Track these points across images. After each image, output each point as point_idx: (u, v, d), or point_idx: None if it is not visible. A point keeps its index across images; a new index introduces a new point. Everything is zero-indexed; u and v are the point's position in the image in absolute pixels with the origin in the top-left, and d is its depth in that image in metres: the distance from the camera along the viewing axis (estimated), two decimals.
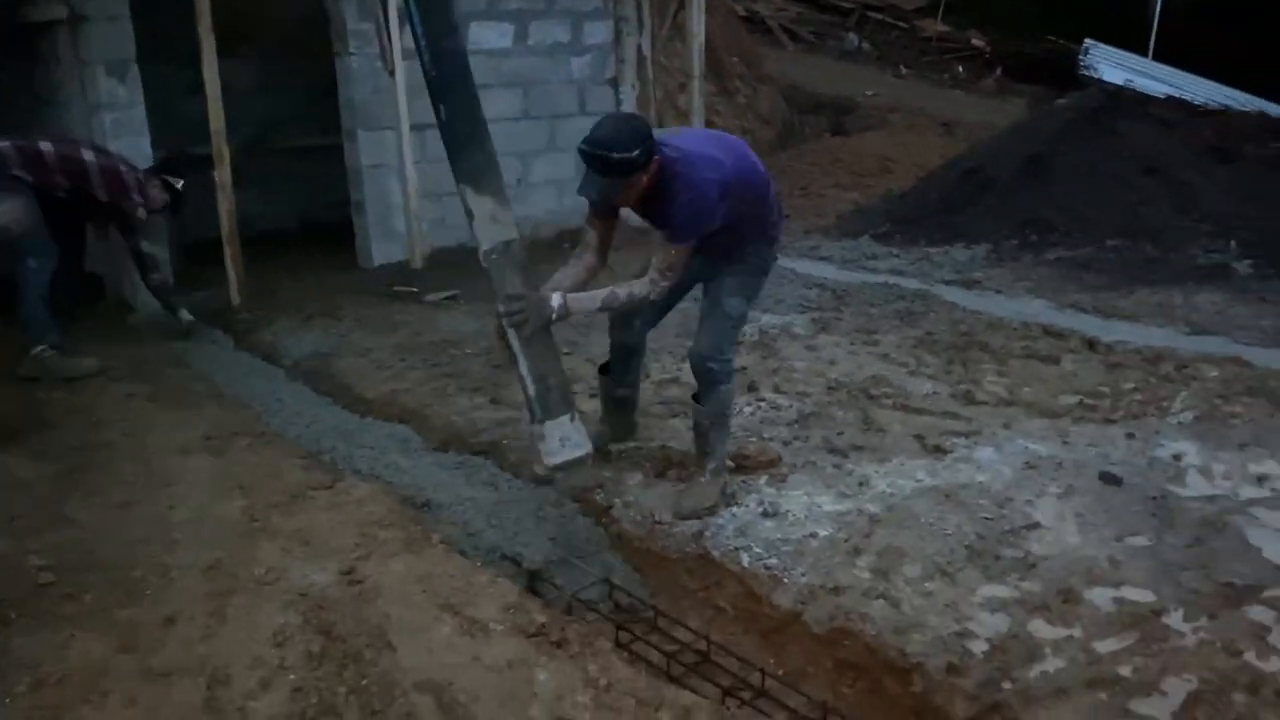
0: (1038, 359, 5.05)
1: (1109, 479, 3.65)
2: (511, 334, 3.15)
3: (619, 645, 2.97)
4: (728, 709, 2.61)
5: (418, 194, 6.88)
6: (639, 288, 3.21)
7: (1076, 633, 2.81)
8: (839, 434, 4.08)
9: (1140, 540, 3.27)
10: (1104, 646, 2.74)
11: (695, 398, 3.55)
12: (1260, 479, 3.67)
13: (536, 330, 3.15)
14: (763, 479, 3.73)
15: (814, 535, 3.33)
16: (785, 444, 4.00)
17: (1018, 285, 6.72)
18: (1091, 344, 5.24)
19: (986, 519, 3.38)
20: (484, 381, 4.84)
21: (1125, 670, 2.64)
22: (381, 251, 7.29)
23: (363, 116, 7.05)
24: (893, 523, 3.38)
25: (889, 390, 4.59)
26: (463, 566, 3.17)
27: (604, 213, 3.33)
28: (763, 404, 4.45)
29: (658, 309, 3.61)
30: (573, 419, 3.24)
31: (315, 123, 7.89)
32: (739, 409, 4.36)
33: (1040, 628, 2.83)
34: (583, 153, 3.04)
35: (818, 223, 8.71)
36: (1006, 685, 2.62)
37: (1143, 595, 2.97)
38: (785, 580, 3.12)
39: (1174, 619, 2.85)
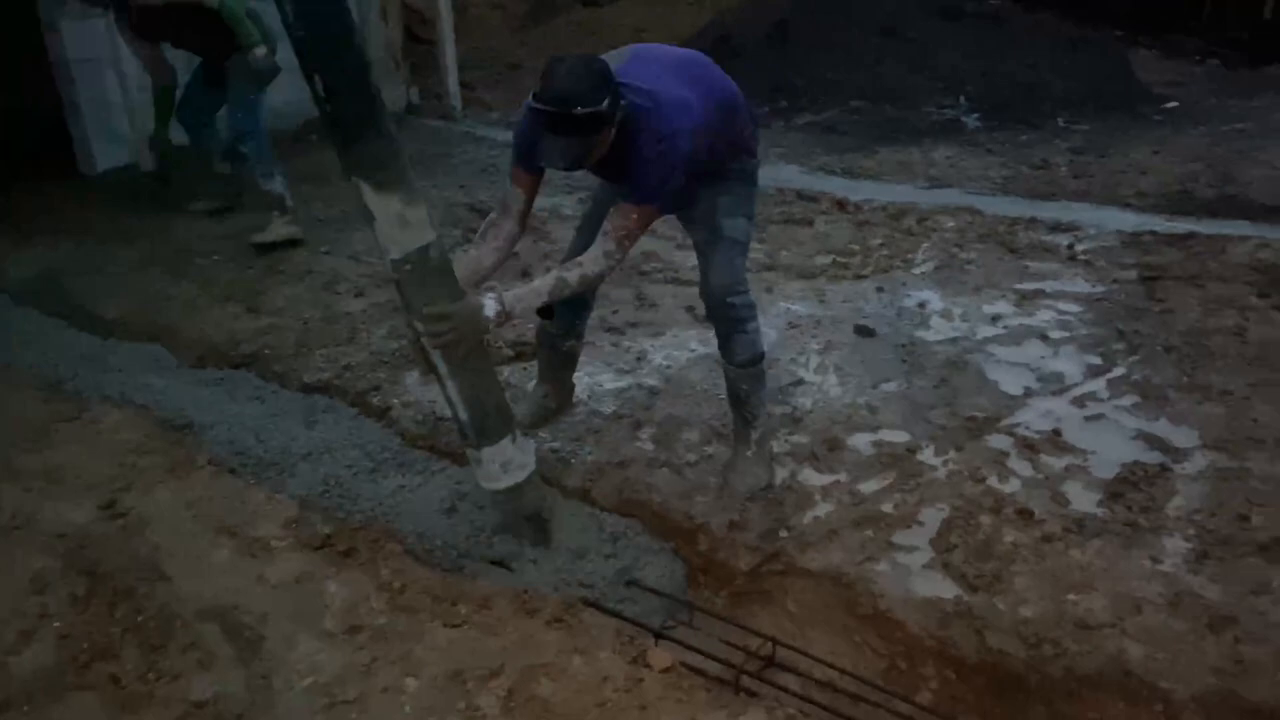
0: (794, 223, 5.26)
1: (863, 332, 3.90)
2: (437, 356, 2.58)
3: (409, 548, 2.93)
4: (526, 593, 2.65)
5: (140, 89, 6.24)
6: (592, 265, 2.63)
7: (843, 477, 3.02)
8: (614, 312, 4.13)
9: (893, 386, 3.52)
10: (867, 487, 2.97)
11: (723, 355, 3.06)
12: (994, 318, 4.02)
13: (470, 349, 2.61)
14: None
15: (597, 414, 3.40)
16: None
17: (771, 151, 6.91)
18: (841, 204, 5.50)
19: None
20: (237, 289, 4.55)
21: (887, 507, 2.88)
22: (105, 155, 6.60)
23: (66, 2, 6.28)
24: (670, 393, 3.50)
25: (659, 265, 4.67)
26: (235, 486, 3.03)
27: (533, 169, 2.72)
28: None
29: None
30: (514, 440, 2.77)
31: (4, 12, 6.97)
32: None
33: (810, 476, 3.03)
34: (538, 111, 2.43)
35: None
36: (784, 534, 2.80)
37: (898, 436, 3.23)
38: (573, 461, 3.17)
39: (926, 455, 3.12)
